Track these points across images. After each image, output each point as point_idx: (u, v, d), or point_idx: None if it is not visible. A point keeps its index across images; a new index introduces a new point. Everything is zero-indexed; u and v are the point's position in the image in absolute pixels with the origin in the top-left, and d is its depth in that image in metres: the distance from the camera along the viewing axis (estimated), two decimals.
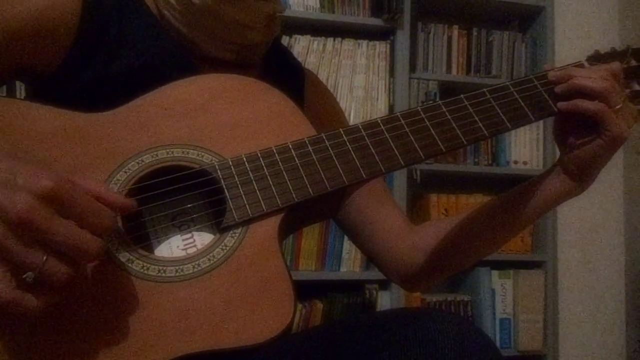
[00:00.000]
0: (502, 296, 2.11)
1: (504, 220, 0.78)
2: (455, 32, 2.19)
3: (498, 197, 0.79)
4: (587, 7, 2.44)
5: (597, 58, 0.75)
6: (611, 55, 0.75)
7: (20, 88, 1.65)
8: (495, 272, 2.12)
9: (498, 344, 2.04)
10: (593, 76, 0.68)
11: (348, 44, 2.02)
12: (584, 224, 2.35)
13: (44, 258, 0.46)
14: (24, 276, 0.46)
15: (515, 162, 2.18)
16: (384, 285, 1.92)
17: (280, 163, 0.64)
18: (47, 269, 0.46)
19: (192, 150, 0.64)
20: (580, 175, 0.72)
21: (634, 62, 0.74)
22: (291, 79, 0.86)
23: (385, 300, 1.91)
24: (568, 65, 0.74)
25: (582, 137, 0.70)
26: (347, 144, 0.66)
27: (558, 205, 0.75)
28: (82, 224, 0.48)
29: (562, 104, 0.69)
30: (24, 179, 0.46)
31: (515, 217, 0.77)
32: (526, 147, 2.19)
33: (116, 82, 0.69)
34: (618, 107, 0.67)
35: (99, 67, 0.70)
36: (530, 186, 0.76)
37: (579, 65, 0.74)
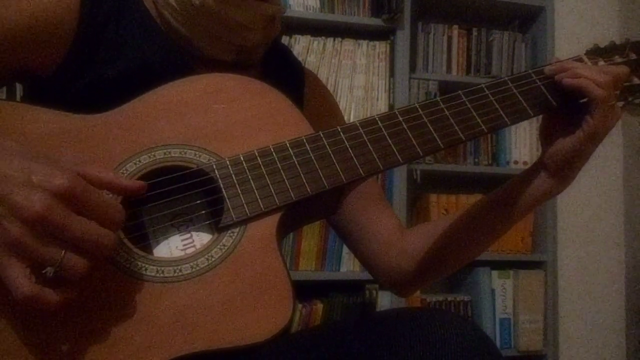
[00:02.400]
0: (502, 296, 2.11)
1: (489, 222, 0.78)
2: (455, 32, 2.19)
3: (482, 199, 0.79)
4: (587, 7, 2.44)
5: (596, 52, 0.75)
6: (610, 49, 0.75)
7: (20, 89, 1.65)
8: (495, 272, 2.11)
9: (498, 344, 2.04)
10: (596, 70, 0.68)
11: (348, 44, 2.02)
12: (584, 224, 2.35)
13: (62, 253, 0.48)
14: (44, 271, 0.48)
15: (515, 162, 2.17)
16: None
17: (277, 162, 0.64)
18: (66, 264, 0.48)
19: (189, 150, 0.64)
20: (560, 172, 0.71)
21: (633, 56, 0.74)
22: (290, 78, 0.86)
23: (385, 300, 1.91)
24: (567, 59, 0.74)
25: (566, 135, 0.70)
26: (345, 142, 0.66)
27: (541, 204, 0.75)
28: (95, 218, 0.50)
29: (567, 80, 0.68)
30: (39, 178, 0.48)
31: (500, 218, 0.77)
32: (526, 147, 2.19)
33: (114, 84, 0.69)
34: (610, 104, 0.67)
35: (97, 69, 0.70)
36: (513, 187, 0.75)
37: (578, 59, 0.74)
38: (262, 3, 0.75)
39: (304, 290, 1.86)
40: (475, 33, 2.21)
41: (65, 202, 0.48)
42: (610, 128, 0.69)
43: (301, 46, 1.97)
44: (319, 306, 1.86)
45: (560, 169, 0.71)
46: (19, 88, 1.65)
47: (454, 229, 0.80)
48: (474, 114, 0.69)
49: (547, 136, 0.73)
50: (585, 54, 0.74)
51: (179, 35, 0.74)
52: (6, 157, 0.49)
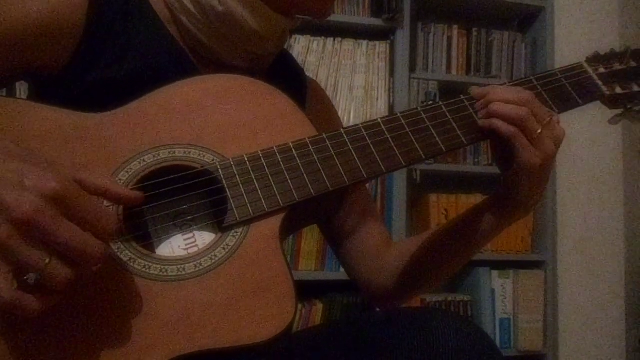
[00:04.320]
0: (502, 296, 2.11)
1: (454, 247, 0.78)
2: (455, 32, 2.20)
3: (445, 226, 0.79)
4: (587, 7, 2.44)
5: (596, 59, 0.75)
6: (610, 57, 0.75)
7: (20, 88, 1.65)
8: (495, 272, 2.12)
9: (498, 344, 2.04)
10: (510, 99, 0.65)
11: (348, 44, 2.02)
12: (584, 224, 2.35)
13: (47, 260, 0.46)
14: (26, 277, 0.46)
15: None
16: None
17: (281, 163, 0.64)
18: (49, 271, 0.46)
19: (193, 150, 0.64)
20: (509, 201, 0.70)
21: (633, 63, 0.74)
22: (293, 83, 0.86)
23: None
24: (567, 66, 0.73)
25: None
26: (348, 143, 0.66)
27: (503, 230, 0.73)
28: (87, 227, 0.49)
29: (482, 122, 0.67)
30: (31, 181, 0.46)
31: (462, 244, 0.77)
32: None
33: (120, 84, 0.69)
34: (538, 132, 0.64)
35: (103, 69, 0.70)
36: (471, 214, 0.75)
37: (569, 69, 0.73)
38: (283, 17, 0.76)
39: (304, 290, 1.87)
40: (475, 33, 2.22)
41: (56, 207, 0.46)
42: (550, 156, 0.65)
43: (301, 46, 1.97)
44: (319, 306, 1.87)
45: (512, 198, 0.69)
46: (19, 88, 1.65)
47: (424, 249, 0.80)
48: (476, 119, 0.69)
49: (501, 162, 0.70)
50: (585, 61, 0.75)
51: (196, 41, 0.75)
52: (1, 159, 0.48)
